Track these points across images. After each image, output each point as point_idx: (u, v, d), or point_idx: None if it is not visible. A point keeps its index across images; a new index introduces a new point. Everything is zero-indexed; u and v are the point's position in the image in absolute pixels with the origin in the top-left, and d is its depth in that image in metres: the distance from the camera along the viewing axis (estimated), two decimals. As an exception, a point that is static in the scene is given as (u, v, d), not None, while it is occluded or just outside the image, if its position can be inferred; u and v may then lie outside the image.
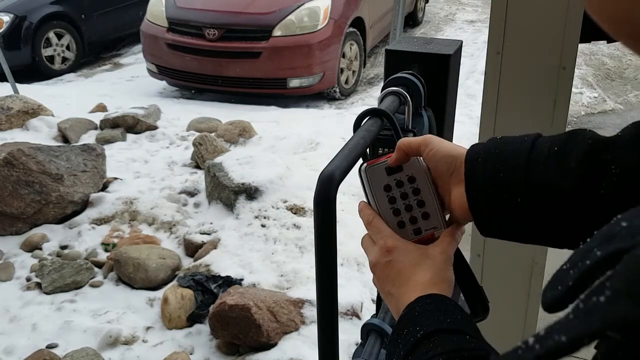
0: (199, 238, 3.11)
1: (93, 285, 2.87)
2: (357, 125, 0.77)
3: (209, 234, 3.14)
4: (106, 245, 3.11)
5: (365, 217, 0.69)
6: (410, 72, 0.99)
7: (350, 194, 3.33)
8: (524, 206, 0.59)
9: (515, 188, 0.59)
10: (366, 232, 0.70)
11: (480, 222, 0.63)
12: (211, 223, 3.24)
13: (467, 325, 0.57)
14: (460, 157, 0.64)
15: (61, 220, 3.32)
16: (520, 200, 0.59)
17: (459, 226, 0.68)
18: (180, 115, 4.84)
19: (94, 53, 7.67)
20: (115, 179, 3.66)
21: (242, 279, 2.75)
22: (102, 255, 3.06)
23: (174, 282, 2.78)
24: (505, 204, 0.60)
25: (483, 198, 0.62)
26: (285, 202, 3.25)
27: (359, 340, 1.03)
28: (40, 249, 3.12)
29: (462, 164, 0.64)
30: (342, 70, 5.95)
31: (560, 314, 0.31)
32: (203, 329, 2.57)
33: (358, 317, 2.54)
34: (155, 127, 4.52)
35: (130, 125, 4.46)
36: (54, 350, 2.41)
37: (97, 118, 4.57)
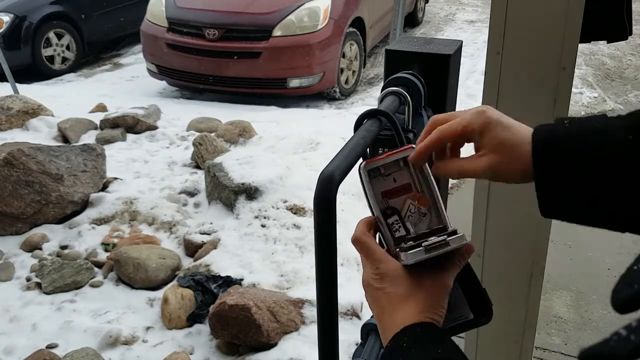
0: (199, 238, 3.11)
1: (93, 285, 2.87)
2: (357, 126, 0.77)
3: (209, 234, 3.14)
4: (106, 245, 3.11)
5: (356, 232, 0.68)
6: (410, 72, 0.99)
7: (350, 193, 3.33)
8: (600, 194, 0.57)
9: (592, 178, 0.57)
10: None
11: (547, 206, 0.61)
12: (211, 223, 3.24)
13: (458, 354, 0.56)
14: (524, 144, 0.61)
15: (61, 220, 3.32)
16: (596, 190, 0.57)
17: (469, 249, 0.66)
18: (180, 115, 4.85)
19: (94, 53, 7.67)
20: (115, 179, 3.66)
21: (242, 279, 2.75)
22: (102, 255, 3.06)
23: (174, 282, 2.78)
24: (578, 194, 0.58)
25: (554, 187, 0.59)
26: (285, 202, 3.25)
27: (359, 340, 1.03)
28: (40, 249, 3.12)
29: (528, 152, 0.61)
30: (342, 70, 5.95)
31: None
32: (203, 329, 2.57)
33: (358, 317, 2.54)
34: (155, 127, 4.52)
35: (130, 125, 4.46)
36: (54, 350, 2.41)
37: (97, 118, 4.57)
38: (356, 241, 0.67)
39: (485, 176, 0.65)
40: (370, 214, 0.70)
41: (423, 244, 0.61)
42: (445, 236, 0.62)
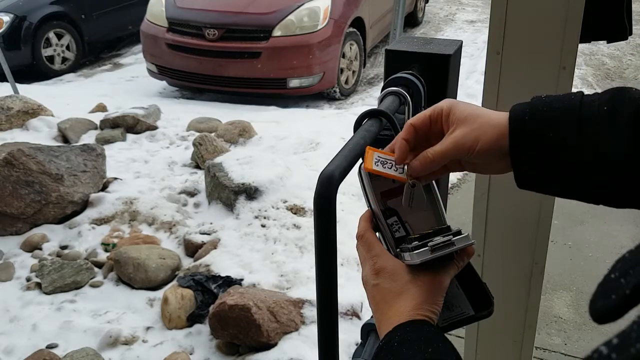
0: (199, 238, 3.11)
1: (93, 285, 2.87)
2: (357, 126, 0.77)
3: (209, 234, 3.14)
4: (106, 245, 3.11)
5: (360, 229, 0.68)
6: (410, 72, 0.99)
7: (350, 194, 3.33)
8: (574, 166, 0.58)
9: (567, 149, 0.58)
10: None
11: (521, 178, 0.62)
12: (211, 223, 3.24)
13: (450, 353, 0.55)
14: (505, 134, 0.61)
15: (61, 220, 3.32)
16: (570, 161, 0.58)
17: (470, 250, 0.66)
18: (180, 115, 4.85)
19: (94, 53, 7.67)
20: (115, 179, 3.66)
21: (242, 279, 2.75)
22: (102, 255, 3.06)
23: (174, 282, 2.78)
24: (553, 164, 0.59)
25: (529, 157, 0.60)
26: (285, 202, 3.25)
27: (359, 340, 1.03)
28: (40, 249, 3.12)
29: (505, 134, 0.61)
30: (342, 70, 5.95)
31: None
32: (203, 329, 2.57)
33: (358, 317, 2.54)
34: (155, 127, 4.52)
35: (130, 125, 4.46)
36: (54, 350, 2.41)
37: (97, 118, 4.57)
38: (361, 237, 0.67)
39: (458, 148, 0.64)
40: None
41: (429, 244, 0.61)
42: (451, 236, 0.62)
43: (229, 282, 2.72)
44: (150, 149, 4.26)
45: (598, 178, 0.58)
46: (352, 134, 0.75)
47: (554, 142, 0.58)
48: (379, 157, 0.67)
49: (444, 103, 0.66)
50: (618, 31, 1.45)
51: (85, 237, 3.18)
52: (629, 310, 0.30)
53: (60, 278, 2.84)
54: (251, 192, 3.27)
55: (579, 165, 0.58)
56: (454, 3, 10.09)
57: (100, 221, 3.28)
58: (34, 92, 5.21)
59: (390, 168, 0.67)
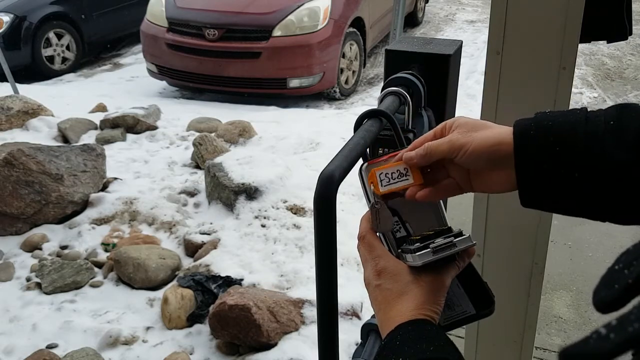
0: (199, 238, 3.11)
1: (93, 285, 2.87)
2: (357, 126, 0.77)
3: (209, 234, 3.14)
4: (106, 245, 3.11)
5: (361, 230, 0.68)
6: (410, 72, 0.99)
7: (350, 194, 3.33)
8: (581, 181, 0.58)
9: (574, 163, 0.57)
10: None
11: (527, 195, 0.61)
12: (211, 223, 3.24)
13: (451, 352, 0.55)
14: (504, 142, 0.61)
15: (61, 220, 3.32)
16: (577, 175, 0.57)
17: (471, 251, 0.66)
18: (180, 115, 4.85)
19: (94, 53, 7.67)
20: (115, 179, 3.66)
21: (242, 279, 2.75)
22: (102, 255, 3.06)
23: (174, 282, 2.78)
24: (560, 178, 0.58)
25: (535, 173, 0.59)
26: (285, 202, 3.25)
27: (359, 340, 1.03)
28: (40, 249, 3.12)
29: (508, 145, 0.61)
30: (342, 70, 5.96)
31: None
32: (203, 329, 2.57)
33: (358, 317, 2.54)
34: (155, 127, 4.52)
35: (130, 125, 4.46)
36: (54, 350, 2.41)
37: (97, 118, 4.57)
38: (362, 238, 0.67)
39: (452, 144, 0.64)
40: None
41: (430, 246, 0.61)
42: (452, 237, 0.62)
43: (229, 282, 2.72)
44: (150, 149, 4.26)
45: (604, 194, 0.57)
46: (352, 134, 0.75)
47: (561, 157, 0.58)
48: (381, 175, 0.67)
49: (453, 118, 0.67)
50: (618, 31, 1.45)
51: (85, 237, 3.18)
52: (631, 300, 0.30)
53: (60, 278, 2.84)
54: (251, 192, 3.27)
55: (586, 181, 0.57)
56: (454, 3, 10.09)
57: (100, 221, 3.28)
58: (34, 92, 5.21)
59: (395, 179, 0.67)
